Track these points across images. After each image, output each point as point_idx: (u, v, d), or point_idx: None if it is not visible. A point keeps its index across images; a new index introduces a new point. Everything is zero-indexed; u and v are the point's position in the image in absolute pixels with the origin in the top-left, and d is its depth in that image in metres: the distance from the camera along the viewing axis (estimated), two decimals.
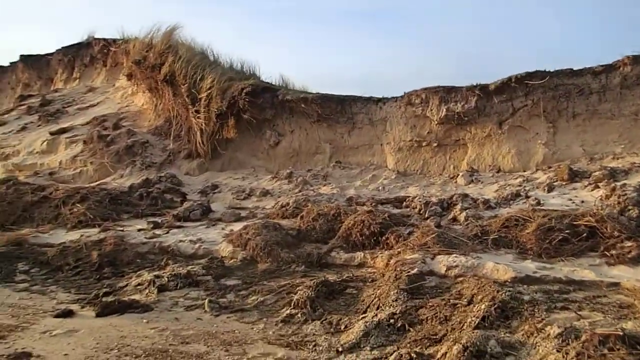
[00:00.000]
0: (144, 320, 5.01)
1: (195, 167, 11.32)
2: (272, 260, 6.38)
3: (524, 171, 8.39)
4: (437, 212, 7.02)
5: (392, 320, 4.44)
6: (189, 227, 8.17)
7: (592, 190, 7.02)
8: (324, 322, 4.79)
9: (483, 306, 4.10)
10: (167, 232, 7.78)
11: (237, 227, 7.85)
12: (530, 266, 5.05)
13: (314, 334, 4.58)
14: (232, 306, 5.37)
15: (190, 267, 6.32)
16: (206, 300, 5.40)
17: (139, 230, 7.95)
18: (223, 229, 7.89)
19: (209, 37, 23.59)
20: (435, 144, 9.45)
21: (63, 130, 14.10)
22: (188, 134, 11.71)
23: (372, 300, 4.92)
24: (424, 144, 9.57)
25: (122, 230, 7.87)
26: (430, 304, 4.56)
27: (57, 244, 7.57)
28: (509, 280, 4.77)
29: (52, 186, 10.24)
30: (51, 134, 14.09)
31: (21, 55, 23.73)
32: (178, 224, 8.28)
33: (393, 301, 4.68)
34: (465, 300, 4.40)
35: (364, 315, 4.75)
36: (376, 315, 4.58)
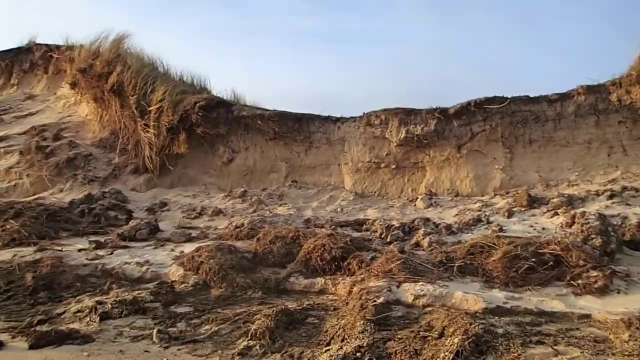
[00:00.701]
0: (85, 353, 4.53)
1: (142, 183, 10.77)
2: (226, 285, 5.99)
3: (482, 196, 8.40)
4: (399, 237, 6.85)
5: (358, 354, 4.17)
6: (135, 247, 7.65)
7: (551, 217, 7.06)
8: (284, 354, 4.47)
9: (456, 340, 3.90)
10: (111, 253, 7.24)
11: (188, 248, 7.42)
12: (499, 296, 4.92)
13: None
14: (184, 337, 4.95)
15: (136, 292, 5.85)
16: (154, 330, 4.95)
17: (80, 250, 7.37)
18: (172, 250, 7.43)
19: (158, 48, 22.94)
20: (393, 166, 9.35)
21: None
22: (135, 148, 11.15)
23: (337, 332, 4.64)
24: (382, 165, 9.45)
25: (61, 250, 7.26)
26: (398, 336, 4.32)
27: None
28: (480, 311, 4.60)
29: None
30: None
31: None
32: (123, 244, 7.75)
33: (359, 333, 4.41)
34: (436, 332, 4.19)
35: (327, 347, 4.46)
36: (341, 347, 4.30)
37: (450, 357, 3.77)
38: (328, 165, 10.01)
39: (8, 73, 20.60)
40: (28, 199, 10.06)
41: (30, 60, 20.04)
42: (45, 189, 10.57)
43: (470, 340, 3.86)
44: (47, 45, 19.71)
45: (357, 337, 4.39)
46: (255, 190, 9.90)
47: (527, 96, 8.45)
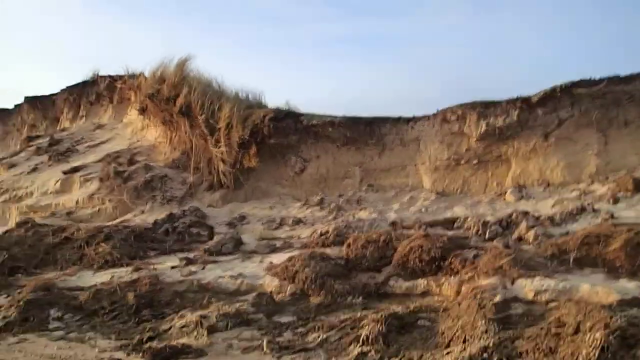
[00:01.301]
0: None
1: (218, 199, 10.88)
2: (325, 293, 5.90)
3: (577, 184, 7.95)
4: (498, 233, 6.57)
5: (485, 355, 3.96)
6: (223, 261, 7.69)
7: None
8: (402, 359, 4.30)
9: (597, 335, 3.62)
10: (203, 268, 7.29)
11: (275, 259, 7.40)
12: (629, 286, 4.58)
13: None
14: (293, 346, 4.87)
15: (237, 304, 5.85)
16: (264, 341, 4.91)
17: (172, 267, 7.46)
18: (261, 261, 7.41)
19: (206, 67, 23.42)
20: (475, 161, 9.03)
21: (76, 169, 13.70)
22: (208, 166, 11.31)
23: (455, 333, 4.44)
24: (462, 161, 9.15)
25: (155, 269, 7.37)
26: (527, 334, 4.07)
27: (87, 286, 7.09)
28: (614, 303, 4.29)
29: (73, 226, 9.77)
30: (64, 173, 13.68)
31: (26, 97, 23.52)
32: (211, 258, 7.81)
33: (482, 333, 4.20)
34: (570, 328, 3.91)
35: (448, 350, 4.27)
36: (464, 349, 4.10)
37: (596, 354, 3.50)
38: (404, 166, 9.79)
39: (77, 106, 21.56)
40: (113, 222, 10.36)
41: (95, 92, 20.89)
42: (128, 212, 10.85)
43: (614, 334, 3.57)
44: (110, 76, 20.48)
45: (481, 337, 4.18)
46: (331, 197, 9.80)
47: (618, 76, 7.94)
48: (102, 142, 16.64)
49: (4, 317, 6.18)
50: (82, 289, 7.08)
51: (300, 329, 5.27)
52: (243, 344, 5.01)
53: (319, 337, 5.00)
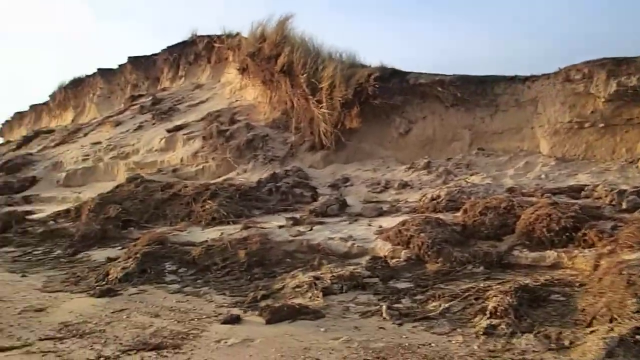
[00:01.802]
0: (321, 329, 4.47)
1: (319, 160, 10.87)
2: (443, 260, 5.67)
3: None
4: (637, 203, 5.99)
5: (638, 336, 3.59)
6: (330, 223, 7.66)
7: None
8: (537, 335, 4.01)
9: None
10: (311, 229, 7.30)
11: (383, 222, 7.26)
12: None
13: (533, 351, 3.82)
14: (414, 313, 4.71)
15: (351, 267, 5.78)
16: (383, 307, 4.79)
17: (280, 227, 7.54)
18: (369, 225, 7.30)
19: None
20: (601, 125, 8.29)
21: (179, 128, 14.23)
22: (310, 126, 11.28)
23: (599, 310, 4.08)
24: (586, 125, 8.44)
25: (263, 228, 7.48)
26: None
27: (198, 242, 7.34)
28: None
29: (180, 183, 10.17)
30: (168, 131, 14.26)
31: (129, 57, 24.72)
32: (317, 220, 7.81)
33: (634, 313, 3.81)
34: None
35: (592, 328, 3.93)
36: (612, 329, 3.75)
37: None
38: (519, 129, 9.21)
39: (176, 66, 22.33)
40: (217, 180, 10.67)
41: (194, 52, 21.51)
42: (230, 170, 11.13)
43: None
44: (208, 36, 20.96)
45: (632, 317, 3.79)
46: (439, 160, 9.46)
47: None
48: (202, 102, 17.14)
49: (123, 268, 6.51)
50: (193, 244, 7.35)
51: (419, 296, 5.10)
52: (360, 308, 4.93)
53: (440, 305, 4.80)
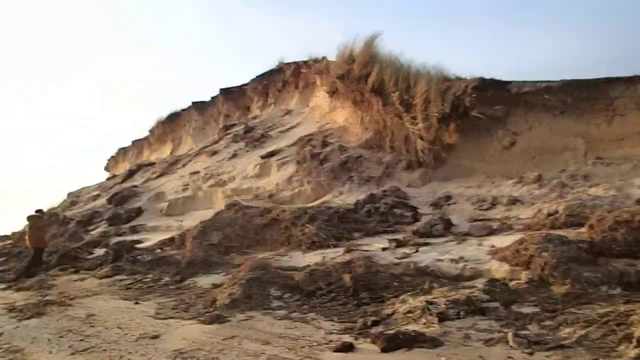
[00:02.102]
0: (442, 358, 4.14)
1: (417, 178, 10.52)
2: (572, 281, 5.14)
3: None
4: None
5: None
6: (435, 244, 7.29)
7: None
8: None
9: None
10: (416, 251, 6.97)
11: (495, 241, 6.79)
12: None
13: None
14: (545, 341, 4.25)
15: (466, 291, 5.38)
16: (509, 334, 4.36)
17: (384, 249, 7.27)
18: (479, 244, 6.85)
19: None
20: None
21: (272, 154, 14.44)
22: (405, 144, 10.99)
23: None
24: None
25: (366, 250, 7.24)
26: None
27: (300, 267, 7.23)
28: None
29: (277, 208, 10.20)
30: (262, 157, 14.51)
31: (221, 89, 25.75)
32: (422, 240, 7.46)
33: None
34: None
35: None
36: None
37: None
38: None
39: (265, 94, 22.95)
40: (312, 204, 10.61)
41: (282, 79, 22.00)
42: (325, 193, 11.05)
43: None
44: (295, 63, 21.38)
45: None
46: (550, 173, 8.80)
47: None
48: (292, 127, 17.37)
49: (230, 295, 6.50)
50: (295, 269, 7.24)
51: (547, 322, 4.62)
52: (482, 335, 4.53)
53: (574, 332, 4.31)
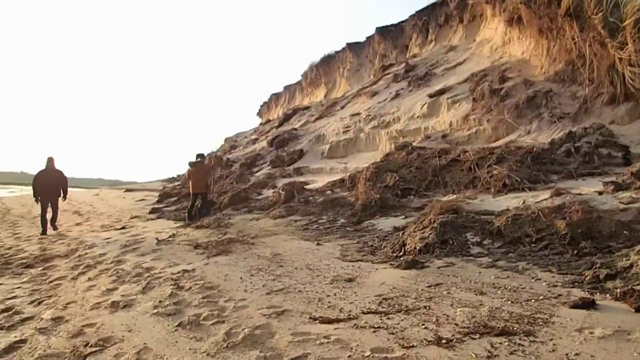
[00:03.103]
0: None
1: (623, 114, 9.07)
2: None
3: None
4: None
5: None
6: None
7: None
8: None
9: None
10: None
11: None
12: None
13: None
14: None
15: None
16: None
17: (599, 193, 6.32)
18: None
19: None
20: None
21: (441, 92, 13.60)
22: (608, 75, 9.50)
23: None
24: None
25: (579, 194, 6.35)
26: None
27: (497, 211, 6.58)
28: None
29: (458, 149, 9.53)
30: (429, 96, 13.75)
31: (377, 28, 25.06)
32: None
33: None
34: None
35: None
36: None
37: None
38: None
39: (425, 31, 21.79)
40: (496, 143, 9.75)
41: (444, 13, 20.64)
42: (510, 132, 10.08)
43: None
44: None
45: None
46: None
47: None
48: (459, 64, 16.24)
49: (422, 239, 6.10)
50: (491, 213, 6.61)
51: None
52: None
53: None
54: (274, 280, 5.41)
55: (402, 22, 23.54)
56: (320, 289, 4.96)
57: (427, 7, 21.75)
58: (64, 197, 11.31)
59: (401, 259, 5.77)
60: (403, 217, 7.95)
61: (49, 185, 10.98)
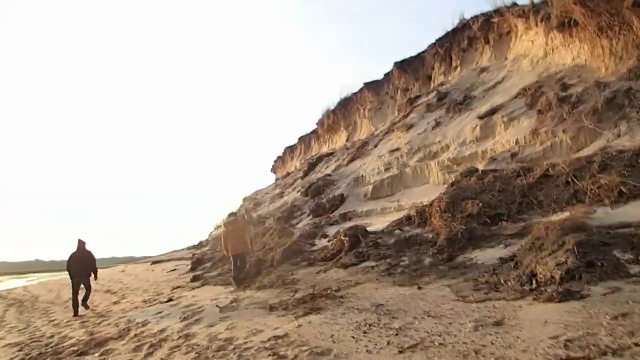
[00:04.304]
0: None
1: None
2: None
3: None
4: None
5: None
6: None
7: None
8: None
9: None
10: None
11: None
12: None
13: None
14: None
15: None
16: None
17: None
18: None
19: None
20: None
21: (493, 112, 12.80)
22: None
23: None
24: None
25: None
26: None
27: (635, 222, 5.61)
28: None
29: (542, 165, 8.62)
30: (480, 118, 12.95)
31: (395, 63, 24.56)
32: None
33: None
34: None
35: None
36: None
37: None
38: None
39: (448, 58, 21.23)
40: (583, 152, 8.83)
41: (467, 37, 20.12)
42: (591, 140, 9.16)
43: None
44: (483, 14, 19.39)
45: None
46: None
47: None
48: (498, 83, 15.54)
49: (558, 265, 5.11)
50: (629, 225, 5.65)
51: None
52: None
53: None
54: (397, 335, 4.41)
55: (422, 53, 23.07)
56: (467, 338, 3.99)
57: (448, 33, 21.29)
58: (95, 277, 11.27)
59: (542, 291, 4.78)
60: (503, 246, 6.97)
61: (81, 266, 10.98)
